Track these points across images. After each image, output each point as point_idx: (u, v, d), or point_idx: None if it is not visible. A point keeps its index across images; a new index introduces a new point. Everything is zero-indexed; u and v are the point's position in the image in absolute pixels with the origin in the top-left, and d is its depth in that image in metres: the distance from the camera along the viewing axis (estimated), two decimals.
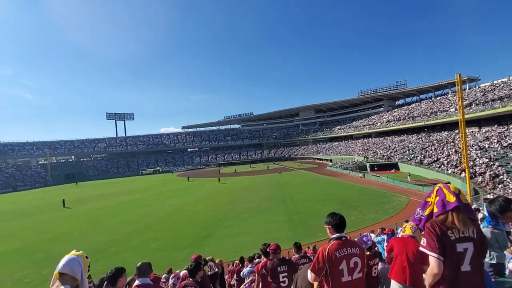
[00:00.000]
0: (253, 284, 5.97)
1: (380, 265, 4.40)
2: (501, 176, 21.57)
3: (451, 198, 1.87)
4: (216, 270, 6.38)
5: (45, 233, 20.30)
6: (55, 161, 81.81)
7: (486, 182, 21.86)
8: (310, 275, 2.43)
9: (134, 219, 22.83)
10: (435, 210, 1.91)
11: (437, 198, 1.95)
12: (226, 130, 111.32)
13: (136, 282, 2.93)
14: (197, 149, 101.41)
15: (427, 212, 2.00)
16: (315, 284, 2.42)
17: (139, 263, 3.04)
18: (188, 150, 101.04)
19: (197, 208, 25.78)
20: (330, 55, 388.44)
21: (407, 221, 3.59)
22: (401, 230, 3.54)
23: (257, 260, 7.30)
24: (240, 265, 8.05)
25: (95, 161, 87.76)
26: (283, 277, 3.90)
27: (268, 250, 4.33)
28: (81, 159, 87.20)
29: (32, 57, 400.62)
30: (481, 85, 46.00)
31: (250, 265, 6.96)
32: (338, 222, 2.43)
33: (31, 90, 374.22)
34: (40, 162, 79.42)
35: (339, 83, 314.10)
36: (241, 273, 7.27)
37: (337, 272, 2.29)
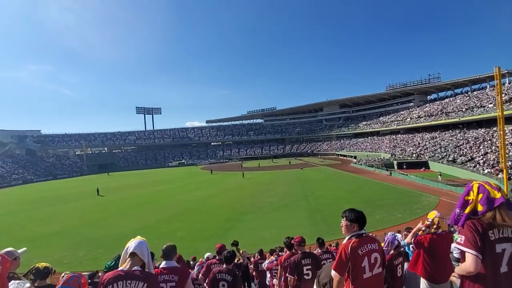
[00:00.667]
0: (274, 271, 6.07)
1: (406, 265, 4.31)
2: None
3: (497, 195, 1.79)
4: (241, 261, 6.54)
5: (81, 218, 22.03)
6: (90, 152, 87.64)
7: None
8: (333, 273, 2.40)
9: (161, 209, 23.98)
10: (480, 208, 1.81)
11: (480, 195, 1.84)
12: (249, 124, 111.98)
13: (162, 264, 2.93)
14: (220, 143, 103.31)
15: (467, 210, 1.89)
16: (335, 280, 2.40)
17: (164, 246, 3.03)
18: (212, 144, 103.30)
19: (220, 200, 26.45)
20: (358, 48, 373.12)
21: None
22: (429, 225, 3.42)
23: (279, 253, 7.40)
24: (259, 257, 8.21)
25: (126, 152, 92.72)
26: (307, 269, 3.90)
27: (292, 242, 4.36)
28: (113, 151, 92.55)
29: (71, 54, 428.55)
30: None
31: (274, 257, 7.06)
32: (354, 218, 2.39)
33: (69, 86, 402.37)
34: (77, 153, 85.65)
35: (367, 77, 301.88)
36: (263, 265, 7.44)
37: (359, 269, 2.28)
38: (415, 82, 68.82)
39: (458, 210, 1.96)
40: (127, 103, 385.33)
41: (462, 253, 1.79)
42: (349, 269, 2.29)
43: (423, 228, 3.44)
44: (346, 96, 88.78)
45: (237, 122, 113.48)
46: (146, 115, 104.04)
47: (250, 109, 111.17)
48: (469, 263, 1.69)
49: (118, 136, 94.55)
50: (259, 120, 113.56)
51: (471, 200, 1.88)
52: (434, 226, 3.32)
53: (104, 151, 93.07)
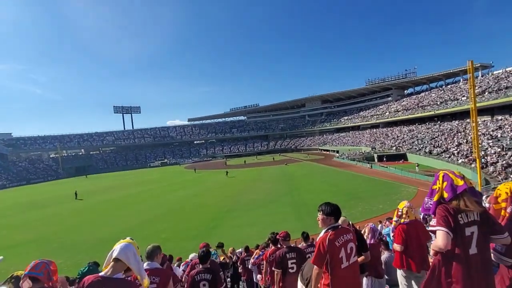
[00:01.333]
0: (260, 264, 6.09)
1: (386, 254, 4.45)
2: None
3: (459, 182, 1.89)
4: (227, 261, 6.43)
5: (58, 224, 21.00)
6: (65, 154, 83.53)
7: (498, 172, 21.42)
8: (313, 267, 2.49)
9: (143, 210, 23.35)
10: (445, 195, 1.91)
11: (445, 183, 1.94)
12: (232, 122, 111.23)
13: (144, 265, 2.78)
14: (203, 141, 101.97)
15: (435, 198, 1.98)
16: (314, 273, 2.47)
17: (148, 246, 2.94)
18: (195, 142, 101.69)
19: (204, 199, 26.15)
20: (337, 44, 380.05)
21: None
22: (400, 215, 3.54)
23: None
24: (245, 254, 8.19)
25: (104, 154, 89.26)
26: (291, 263, 3.98)
27: (278, 237, 4.44)
28: (90, 152, 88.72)
29: (40, 52, 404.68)
30: (495, 72, 44.46)
31: (260, 252, 7.03)
32: (330, 212, 2.49)
33: (40, 85, 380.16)
34: (51, 156, 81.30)
35: (346, 73, 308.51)
36: (249, 261, 7.39)
37: (337, 260, 2.38)
38: (393, 77, 71.11)
39: (427, 199, 2.07)
40: (104, 103, 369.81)
41: (434, 233, 1.86)
42: (327, 261, 2.38)
43: (395, 219, 3.56)
44: (328, 92, 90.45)
45: (220, 120, 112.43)
46: (124, 114, 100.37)
47: (233, 106, 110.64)
48: (439, 239, 1.75)
49: (95, 137, 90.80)
50: (242, 117, 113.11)
51: (437, 189, 1.99)
52: (403, 216, 3.45)
53: (81, 153, 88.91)
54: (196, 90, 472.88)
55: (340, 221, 2.74)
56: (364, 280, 4.15)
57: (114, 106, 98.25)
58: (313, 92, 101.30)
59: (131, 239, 2.24)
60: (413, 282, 3.48)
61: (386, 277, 4.36)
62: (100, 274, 2.03)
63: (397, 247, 3.52)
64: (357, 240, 2.69)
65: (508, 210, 2.04)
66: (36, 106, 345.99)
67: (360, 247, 2.92)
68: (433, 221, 1.95)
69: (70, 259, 13.57)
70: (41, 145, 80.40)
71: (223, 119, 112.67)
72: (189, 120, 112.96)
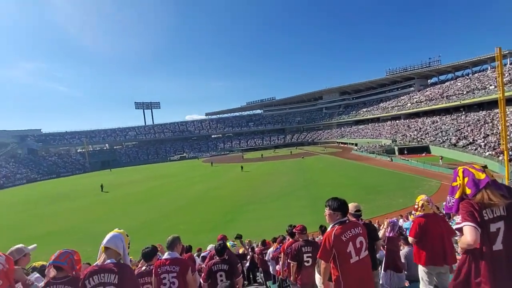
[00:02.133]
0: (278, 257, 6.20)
1: (406, 249, 4.36)
2: None
3: (481, 175, 1.82)
4: (246, 252, 6.53)
5: (86, 214, 22.28)
6: (91, 149, 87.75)
7: None
8: (320, 261, 2.50)
9: (164, 203, 24.17)
10: (468, 191, 1.84)
11: (466, 179, 1.87)
12: (248, 115, 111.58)
13: (165, 255, 3.01)
14: (220, 135, 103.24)
15: (457, 196, 1.91)
16: (322, 267, 2.49)
17: (169, 237, 3.09)
18: (212, 136, 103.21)
19: (221, 193, 26.61)
20: (356, 32, 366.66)
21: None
22: (416, 209, 3.45)
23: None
24: (263, 247, 8.31)
25: (127, 148, 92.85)
26: (307, 257, 4.02)
27: (294, 230, 4.50)
28: (114, 147, 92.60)
29: (63, 50, 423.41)
30: None
31: (278, 245, 7.13)
32: (336, 207, 2.47)
33: (64, 83, 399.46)
34: (78, 150, 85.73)
35: (366, 63, 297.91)
36: (267, 254, 7.52)
37: (345, 255, 2.35)
38: (415, 66, 67.79)
39: (448, 197, 1.99)
40: (125, 99, 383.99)
41: (460, 230, 1.80)
42: (334, 255, 2.36)
43: (413, 213, 3.48)
44: (346, 83, 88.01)
45: (237, 114, 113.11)
46: (145, 110, 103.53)
47: (249, 100, 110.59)
48: (467, 235, 1.70)
49: (118, 132, 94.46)
50: (259, 111, 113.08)
51: (458, 185, 1.92)
52: (419, 209, 3.37)
53: (105, 148, 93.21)
54: (213, 84, 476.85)
55: (350, 207, 2.70)
56: (383, 273, 4.12)
57: (135, 102, 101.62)
58: (331, 84, 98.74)
59: (119, 229, 2.50)
60: (435, 278, 3.35)
61: (405, 272, 4.29)
62: (95, 263, 2.27)
63: (410, 239, 3.45)
64: (367, 232, 2.64)
65: None
66: (61, 103, 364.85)
67: (370, 238, 2.85)
68: (458, 218, 1.90)
69: (98, 247, 14.36)
70: (69, 140, 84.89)
71: (240, 113, 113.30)
72: (206, 114, 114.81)
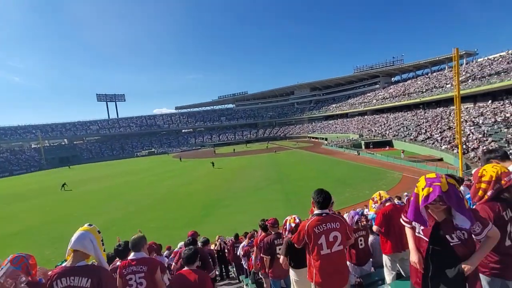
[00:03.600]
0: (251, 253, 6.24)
1: (371, 237, 4.58)
2: (486, 157, 21.91)
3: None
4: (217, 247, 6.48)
5: (45, 215, 20.50)
6: (48, 144, 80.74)
7: (478, 157, 22.29)
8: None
9: (132, 200, 23.07)
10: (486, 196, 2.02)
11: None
12: (220, 110, 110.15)
13: (130, 256, 2.83)
14: (191, 130, 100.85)
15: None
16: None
17: (132, 237, 2.89)
18: (183, 131, 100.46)
19: (194, 188, 26.06)
20: (326, 32, 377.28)
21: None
22: (376, 201, 3.65)
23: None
24: (234, 241, 8.34)
25: (89, 143, 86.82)
26: (279, 249, 4.05)
27: (266, 223, 4.53)
28: (74, 142, 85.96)
29: (18, 38, 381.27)
30: (479, 60, 45.46)
31: (249, 240, 7.16)
32: (321, 200, 2.54)
33: (19, 73, 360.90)
34: (33, 146, 78.44)
35: (335, 60, 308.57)
36: (238, 249, 7.53)
37: (316, 246, 2.47)
38: (380, 65, 71.73)
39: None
40: (86, 91, 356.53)
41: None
42: (307, 244, 2.51)
43: (372, 206, 3.67)
44: (316, 79, 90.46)
45: (208, 108, 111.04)
46: (108, 102, 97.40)
47: (221, 94, 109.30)
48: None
49: (78, 126, 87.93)
50: (231, 105, 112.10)
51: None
52: (379, 200, 3.59)
53: (64, 143, 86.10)
54: (183, 77, 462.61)
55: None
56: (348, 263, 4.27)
57: (97, 94, 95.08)
58: (302, 80, 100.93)
59: (89, 225, 2.26)
60: (398, 265, 3.57)
61: (371, 259, 4.50)
62: (63, 265, 2.12)
63: (374, 228, 3.65)
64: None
65: (489, 193, 2.03)
66: (15, 94, 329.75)
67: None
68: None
69: (57, 250, 13.33)
70: (22, 135, 77.37)
71: (211, 107, 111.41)
72: (176, 108, 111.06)
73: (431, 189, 1.69)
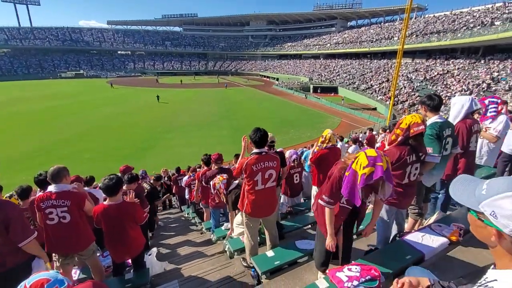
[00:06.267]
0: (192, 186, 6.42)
1: (304, 173, 5.10)
2: (417, 106, 25.12)
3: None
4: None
5: None
6: None
7: (404, 110, 25.36)
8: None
9: (60, 128, 20.51)
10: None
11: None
12: (165, 32, 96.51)
13: (49, 188, 2.60)
14: (129, 52, 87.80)
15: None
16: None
17: (51, 168, 2.61)
18: (119, 52, 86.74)
19: (135, 119, 24.19)
20: None
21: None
22: (323, 141, 3.85)
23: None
24: (177, 174, 8.32)
25: None
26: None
27: (211, 158, 4.65)
28: None
29: None
30: (426, 16, 47.42)
31: (191, 174, 7.17)
32: (257, 140, 2.63)
33: None
34: None
35: None
36: (181, 181, 7.56)
37: (252, 182, 2.65)
38: (340, 5, 69.84)
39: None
40: None
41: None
42: (244, 178, 2.70)
43: (319, 144, 3.92)
44: (274, 12, 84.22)
45: (150, 28, 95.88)
46: (17, 4, 75.65)
47: (166, 13, 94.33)
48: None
49: None
50: (177, 29, 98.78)
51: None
52: (326, 141, 3.81)
53: None
54: None
55: (269, 138, 2.93)
56: (282, 196, 4.75)
57: None
58: (259, 10, 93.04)
59: None
60: None
61: (303, 190, 5.05)
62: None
63: (308, 163, 4.12)
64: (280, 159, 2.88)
65: (399, 139, 2.30)
66: None
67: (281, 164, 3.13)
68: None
69: None
70: None
71: (154, 27, 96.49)
72: (108, 23, 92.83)
73: (373, 169, 1.72)
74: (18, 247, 2.18)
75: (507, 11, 29.73)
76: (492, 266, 0.85)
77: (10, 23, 75.54)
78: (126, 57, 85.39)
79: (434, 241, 2.42)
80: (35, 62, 70.41)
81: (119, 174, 3.59)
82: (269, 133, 3.48)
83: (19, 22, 77.40)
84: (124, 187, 3.52)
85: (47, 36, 76.83)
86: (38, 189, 3.36)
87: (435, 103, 2.60)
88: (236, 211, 3.57)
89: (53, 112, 26.06)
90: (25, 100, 32.22)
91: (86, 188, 4.00)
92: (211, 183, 3.89)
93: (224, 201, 3.69)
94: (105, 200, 2.81)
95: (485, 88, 22.31)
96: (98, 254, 3.27)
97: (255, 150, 2.66)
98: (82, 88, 45.62)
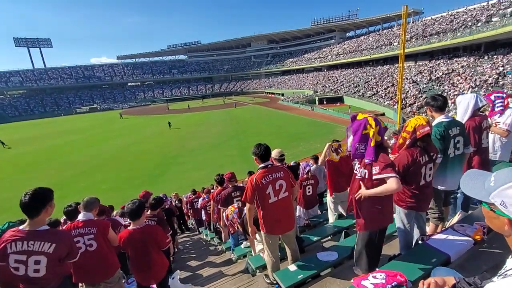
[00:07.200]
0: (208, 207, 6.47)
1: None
2: (425, 108, 24.77)
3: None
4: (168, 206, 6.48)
5: None
6: None
7: (413, 112, 25.06)
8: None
9: (76, 162, 21.18)
10: (379, 138, 2.16)
11: (378, 127, 2.18)
12: (171, 61, 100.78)
13: (79, 216, 2.76)
14: (139, 83, 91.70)
15: (372, 143, 2.13)
16: (247, 208, 2.87)
17: (85, 198, 2.83)
18: (129, 84, 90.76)
19: (146, 147, 24.80)
20: None
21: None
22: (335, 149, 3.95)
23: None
24: (193, 196, 8.42)
25: (12, 98, 73.49)
26: (237, 201, 4.24)
27: (224, 177, 4.70)
28: None
29: None
30: (423, 19, 47.89)
31: (205, 195, 7.24)
32: (263, 153, 2.69)
33: None
34: None
35: (292, 9, 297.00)
36: (197, 203, 7.63)
37: (264, 196, 2.62)
38: (337, 18, 71.57)
39: (357, 144, 2.21)
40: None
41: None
42: (256, 197, 2.64)
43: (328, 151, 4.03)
44: (274, 31, 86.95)
45: (157, 59, 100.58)
46: (30, 48, 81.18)
47: (171, 43, 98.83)
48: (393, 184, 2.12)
49: None
50: (183, 56, 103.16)
51: (371, 133, 2.15)
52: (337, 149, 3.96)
53: None
54: (124, 20, 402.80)
55: (274, 153, 3.11)
56: (298, 207, 4.73)
57: (14, 38, 77.96)
58: (260, 31, 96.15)
59: None
60: (339, 207, 4.16)
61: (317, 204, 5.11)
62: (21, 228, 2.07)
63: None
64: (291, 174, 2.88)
65: (407, 142, 2.35)
66: None
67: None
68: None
69: None
70: None
71: (160, 57, 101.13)
72: (118, 58, 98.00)
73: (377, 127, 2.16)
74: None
75: (502, 7, 29.90)
76: (511, 255, 0.88)
77: (24, 66, 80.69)
78: (136, 88, 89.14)
79: (458, 242, 2.38)
80: (51, 100, 74.42)
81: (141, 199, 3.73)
82: (277, 149, 3.60)
83: (33, 64, 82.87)
84: (148, 213, 3.68)
85: (61, 75, 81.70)
86: (63, 221, 3.50)
87: (439, 103, 2.65)
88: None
89: (70, 146, 27.15)
90: (42, 137, 33.66)
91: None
92: (223, 215, 3.96)
93: (241, 229, 3.70)
94: (129, 225, 2.93)
95: (493, 83, 21.94)
96: (123, 281, 3.33)
97: (262, 165, 2.70)
98: (96, 122, 47.51)
